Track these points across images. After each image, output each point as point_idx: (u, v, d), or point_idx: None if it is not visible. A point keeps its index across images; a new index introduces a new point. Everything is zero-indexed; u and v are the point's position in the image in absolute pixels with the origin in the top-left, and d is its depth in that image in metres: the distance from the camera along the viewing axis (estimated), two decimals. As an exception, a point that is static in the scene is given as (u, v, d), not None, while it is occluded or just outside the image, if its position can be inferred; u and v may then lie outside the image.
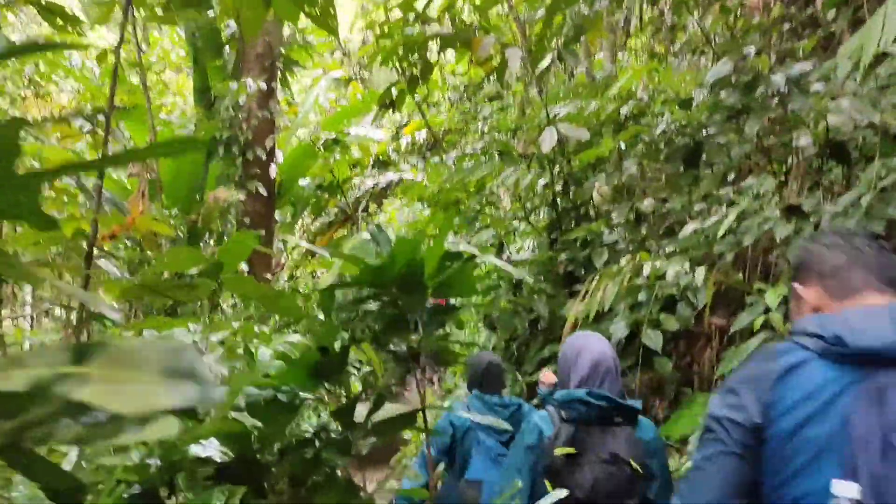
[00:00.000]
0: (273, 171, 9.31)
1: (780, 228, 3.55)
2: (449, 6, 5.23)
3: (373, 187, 10.07)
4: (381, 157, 10.77)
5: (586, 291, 3.93)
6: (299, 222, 11.34)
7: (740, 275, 4.01)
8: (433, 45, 5.45)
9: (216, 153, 9.13)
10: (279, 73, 9.67)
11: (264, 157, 9.21)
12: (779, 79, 3.91)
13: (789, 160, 4.31)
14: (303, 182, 10.57)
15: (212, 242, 9.18)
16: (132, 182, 8.42)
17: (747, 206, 3.81)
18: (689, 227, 3.99)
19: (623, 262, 3.78)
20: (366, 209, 10.75)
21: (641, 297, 4.04)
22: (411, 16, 5.25)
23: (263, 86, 8.50)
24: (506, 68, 4.94)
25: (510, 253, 5.59)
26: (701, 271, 3.46)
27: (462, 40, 5.27)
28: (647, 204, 4.59)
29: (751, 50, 4.11)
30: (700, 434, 1.43)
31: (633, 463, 2.20)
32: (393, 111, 5.63)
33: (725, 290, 3.95)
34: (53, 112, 10.73)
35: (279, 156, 9.49)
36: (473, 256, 1.61)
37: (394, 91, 5.60)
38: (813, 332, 1.35)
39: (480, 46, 4.88)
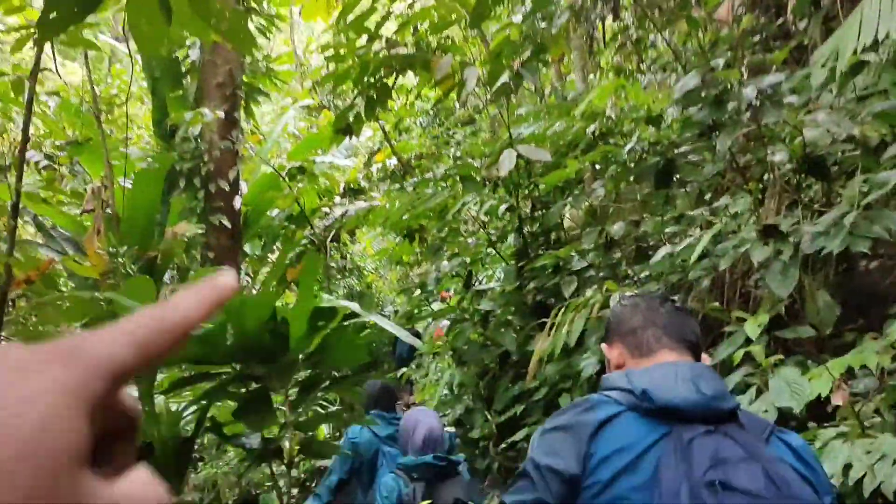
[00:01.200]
0: (237, 202, 8.99)
1: (756, 251, 3.28)
2: (404, 26, 4.97)
3: (342, 216, 9.75)
4: (351, 186, 10.47)
5: (552, 325, 3.63)
6: (269, 255, 11.01)
7: (717, 302, 3.73)
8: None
9: (177, 186, 8.80)
10: (242, 102, 9.40)
11: (228, 189, 8.89)
12: (750, 92, 3.67)
13: (765, 177, 4.06)
14: (271, 213, 10.25)
15: (171, 280, 8.81)
16: (88, 218, 8.08)
17: (723, 228, 3.54)
18: (662, 252, 3.72)
19: (590, 292, 3.49)
20: (336, 239, 10.42)
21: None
22: (364, 37, 4.99)
23: (221, 114, 8.20)
24: (463, 88, 4.68)
25: (478, 282, 5.29)
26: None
27: (420, 61, 5.01)
28: (617, 227, 4.31)
29: (719, 62, 3.86)
30: (515, 477, 1.44)
31: (469, 503, 3.01)
32: (350, 137, 5.34)
33: (702, 318, 3.67)
34: (10, 149, 10.38)
35: (244, 187, 9.18)
36: (354, 314, 1.31)
37: (352, 115, 5.32)
38: (623, 386, 1.40)
39: (438, 66, 4.63)
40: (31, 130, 10.00)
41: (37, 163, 9.47)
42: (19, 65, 9.36)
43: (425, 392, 5.67)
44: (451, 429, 5.05)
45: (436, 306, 5.85)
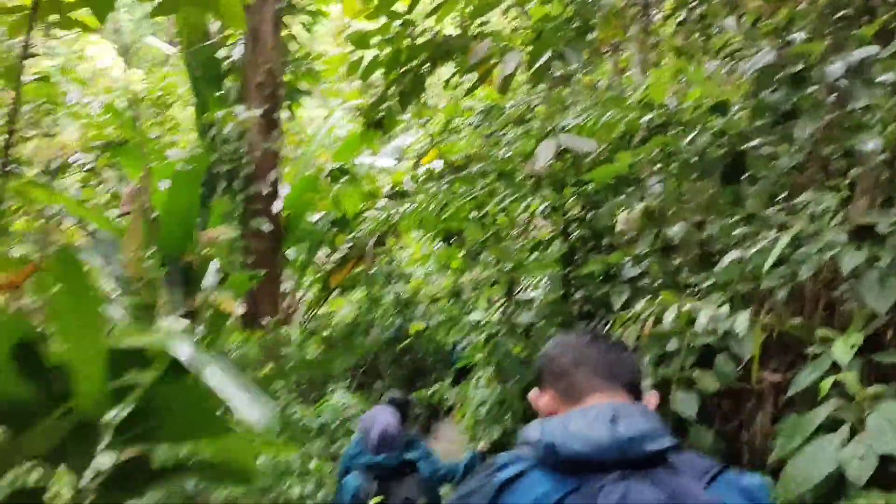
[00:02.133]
0: (278, 206, 8.70)
1: (847, 256, 2.73)
2: (442, 7, 4.53)
3: (385, 220, 9.38)
4: (396, 188, 10.08)
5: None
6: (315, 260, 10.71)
7: (798, 318, 3.16)
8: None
9: (217, 189, 8.56)
10: (283, 102, 9.12)
11: (268, 192, 8.61)
12: (836, 68, 3.10)
13: (853, 170, 3.47)
14: (315, 217, 9.95)
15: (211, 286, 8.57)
16: (126, 221, 7.90)
17: (803, 229, 2.98)
18: (730, 257, 3.17)
19: (640, 304, 2.98)
20: (381, 243, 10.05)
21: (671, 346, 3.21)
22: (397, 23, 4.57)
23: (257, 112, 7.91)
24: (510, 79, 4.21)
25: (521, 291, 4.81)
26: (744, 315, 2.64)
27: (458, 47, 4.57)
28: (677, 229, 3.77)
29: (798, 35, 3.31)
30: None
31: (420, 501, 3.14)
32: (383, 132, 4.94)
33: (779, 335, 3.11)
34: (60, 151, 10.37)
35: (284, 190, 8.89)
36: (176, 364, 0.85)
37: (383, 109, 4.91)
38: (532, 439, 1.32)
39: (475, 50, 4.18)
40: (76, 133, 9.96)
41: (81, 165, 9.39)
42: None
43: (462, 411, 5.20)
44: (483, 446, 4.55)
45: (477, 315, 5.38)
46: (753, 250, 2.99)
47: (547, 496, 1.24)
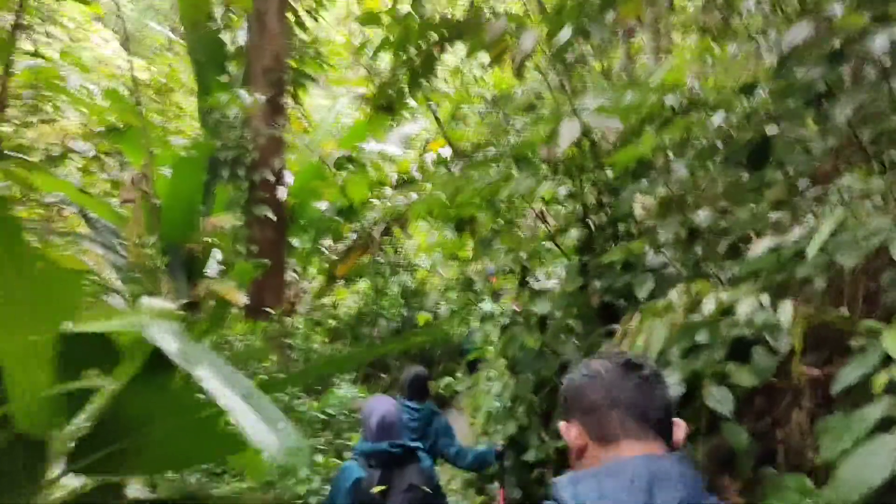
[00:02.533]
0: (282, 193, 8.52)
1: (896, 243, 2.53)
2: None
3: (394, 208, 9.19)
4: (403, 177, 9.90)
5: (624, 333, 2.94)
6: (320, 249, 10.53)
7: (842, 309, 2.96)
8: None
9: (220, 176, 8.38)
10: (289, 87, 8.92)
11: (272, 179, 8.43)
12: (881, 42, 2.90)
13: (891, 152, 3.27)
14: (320, 205, 9.77)
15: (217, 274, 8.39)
16: (128, 209, 7.73)
17: (847, 214, 2.78)
18: (763, 245, 2.98)
19: (674, 293, 2.79)
20: (387, 232, 9.87)
21: (700, 339, 3.02)
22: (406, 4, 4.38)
23: (260, 98, 7.72)
24: (526, 58, 4.02)
25: (536, 281, 4.62)
26: (788, 305, 2.44)
27: (471, 27, 4.37)
28: (702, 216, 3.58)
29: (836, 8, 3.10)
30: None
31: (423, 488, 3.09)
32: (392, 115, 4.75)
33: (815, 328, 2.92)
34: (62, 138, 10.19)
35: (289, 178, 8.70)
36: (158, 358, 0.65)
37: (393, 91, 4.71)
38: (561, 499, 1.27)
39: (490, 29, 3.98)
40: (78, 120, 9.78)
41: (82, 152, 9.21)
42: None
43: (475, 402, 5.02)
44: (500, 443, 4.41)
45: (487, 306, 5.20)
46: (792, 236, 2.79)
47: None
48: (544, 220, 4.49)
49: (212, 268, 8.56)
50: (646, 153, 3.72)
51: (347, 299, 10.73)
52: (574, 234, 4.47)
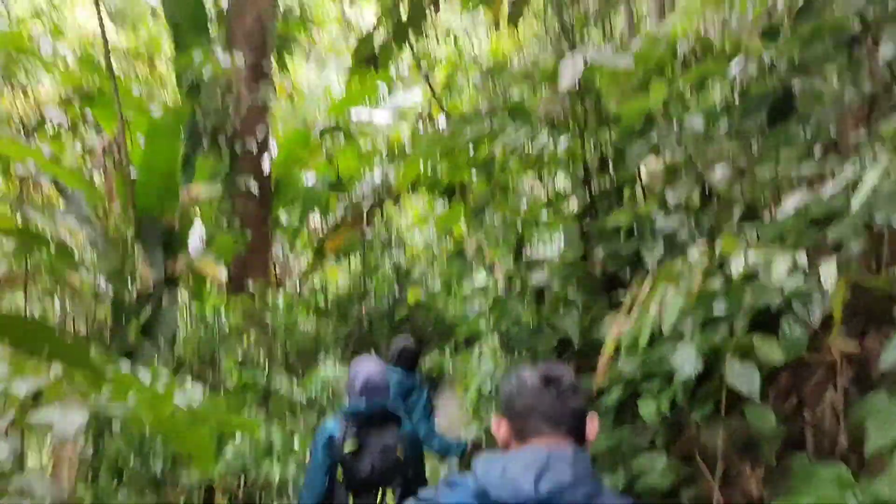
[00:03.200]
0: (266, 164, 8.10)
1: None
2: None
3: (383, 182, 8.78)
4: (395, 149, 9.46)
5: (633, 302, 2.57)
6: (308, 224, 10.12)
7: (869, 272, 2.60)
8: None
9: (200, 146, 7.95)
10: (273, 52, 8.48)
11: (256, 150, 8.01)
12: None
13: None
14: (308, 178, 9.36)
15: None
16: (100, 179, 7.31)
17: (889, 165, 2.40)
18: (794, 201, 2.61)
19: (694, 252, 2.41)
20: (378, 207, 9.46)
21: (718, 309, 2.64)
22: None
23: (239, 58, 7.28)
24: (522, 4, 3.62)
25: (530, 251, 4.24)
26: (831, 266, 2.07)
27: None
28: (719, 175, 3.20)
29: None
30: None
31: (398, 452, 3.09)
32: (375, 69, 4.35)
33: (853, 293, 2.56)
34: (37, 108, 9.74)
35: (274, 148, 8.28)
36: None
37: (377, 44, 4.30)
38: (476, 475, 1.54)
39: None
40: (53, 86, 9.30)
41: (56, 121, 8.76)
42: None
43: (464, 384, 4.65)
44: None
45: (481, 278, 4.82)
46: (830, 189, 2.42)
47: None
48: (541, 183, 4.10)
49: (194, 242, 8.17)
50: (656, 105, 3.33)
51: (338, 278, 10.36)
52: (574, 198, 4.08)
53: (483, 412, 4.26)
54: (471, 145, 3.79)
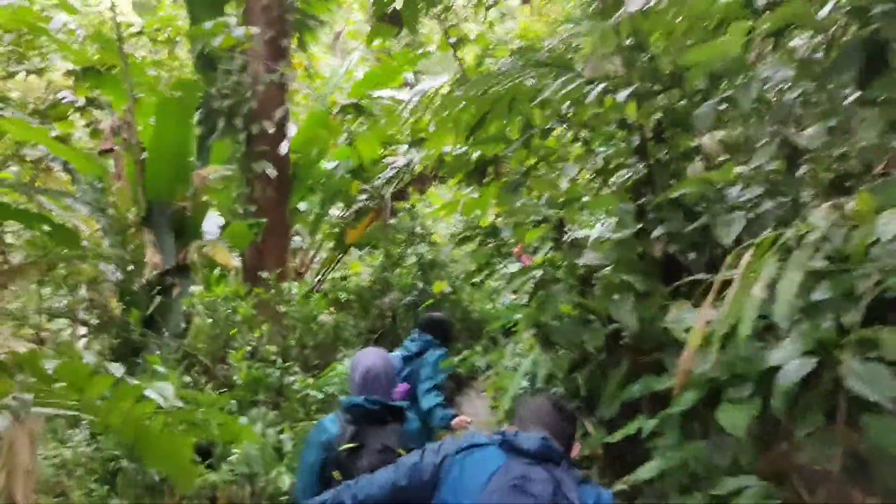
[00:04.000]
0: (284, 148, 7.64)
1: None
2: None
3: (406, 167, 8.28)
4: (419, 134, 8.94)
5: (722, 285, 2.03)
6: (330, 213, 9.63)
7: None
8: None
9: (216, 128, 7.51)
10: (292, 31, 8.01)
11: (274, 132, 7.56)
12: None
13: None
14: (329, 165, 8.89)
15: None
16: (108, 159, 6.90)
17: None
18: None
19: (818, 215, 1.87)
20: (402, 197, 8.96)
21: (820, 293, 2.10)
22: None
23: (254, 30, 6.82)
24: None
25: (572, 233, 3.71)
26: None
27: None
28: (811, 134, 2.65)
29: None
30: None
31: (400, 451, 2.69)
32: (399, 28, 3.85)
33: None
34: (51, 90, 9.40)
35: (292, 130, 7.82)
36: None
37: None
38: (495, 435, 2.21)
39: None
40: (65, 66, 8.92)
41: (70, 102, 8.38)
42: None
43: (498, 384, 4.13)
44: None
45: (514, 267, 4.30)
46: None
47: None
48: (588, 150, 3.56)
49: (211, 229, 7.75)
50: (733, 49, 2.78)
51: (360, 270, 9.88)
52: (626, 174, 3.54)
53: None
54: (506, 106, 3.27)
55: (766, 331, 2.17)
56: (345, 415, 2.85)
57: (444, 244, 9.99)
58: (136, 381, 1.76)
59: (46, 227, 6.39)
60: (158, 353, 5.21)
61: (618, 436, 2.63)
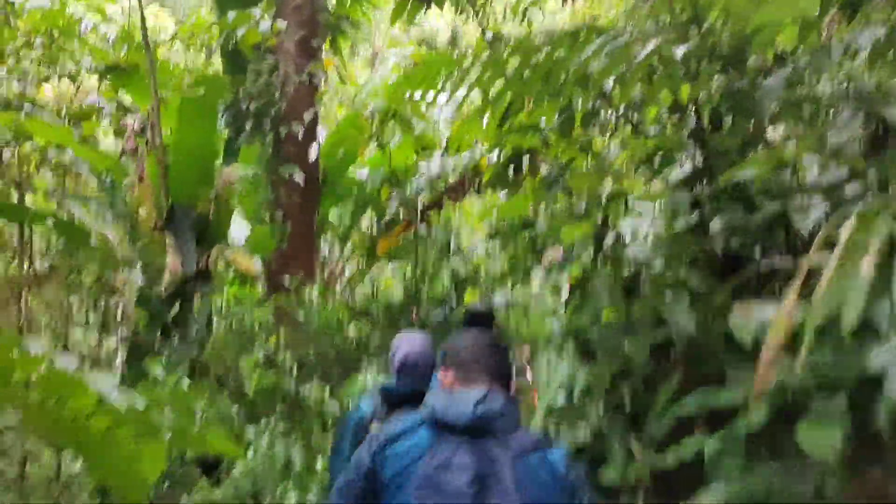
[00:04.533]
0: (314, 152, 7.36)
1: None
2: None
3: (439, 175, 7.92)
4: (456, 143, 8.60)
5: (808, 273, 1.63)
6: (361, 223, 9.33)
7: None
8: None
9: (243, 129, 7.28)
10: (325, 32, 7.78)
11: (302, 135, 7.29)
12: None
13: None
14: (362, 173, 8.61)
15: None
16: (131, 160, 6.70)
17: None
18: None
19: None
20: (436, 205, 8.61)
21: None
22: None
23: (287, 36, 6.56)
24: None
25: (618, 229, 3.30)
26: None
27: None
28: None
29: None
30: None
31: None
32: (427, 4, 3.53)
33: None
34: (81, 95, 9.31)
35: (322, 135, 7.55)
36: None
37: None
38: (425, 406, 1.99)
39: None
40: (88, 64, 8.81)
41: (98, 105, 8.25)
42: None
43: (526, 399, 3.72)
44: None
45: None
46: None
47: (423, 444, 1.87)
48: (635, 134, 3.16)
49: (239, 236, 7.51)
50: (811, 7, 2.38)
51: (392, 285, 9.54)
52: (679, 161, 3.14)
53: (553, 436, 3.32)
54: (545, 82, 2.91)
55: (864, 329, 1.75)
56: (379, 397, 2.93)
57: (480, 260, 9.59)
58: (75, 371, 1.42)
59: (77, 235, 6.20)
60: (168, 359, 4.91)
61: (671, 458, 2.21)
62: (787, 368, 1.95)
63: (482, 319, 4.64)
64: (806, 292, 1.73)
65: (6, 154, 7.91)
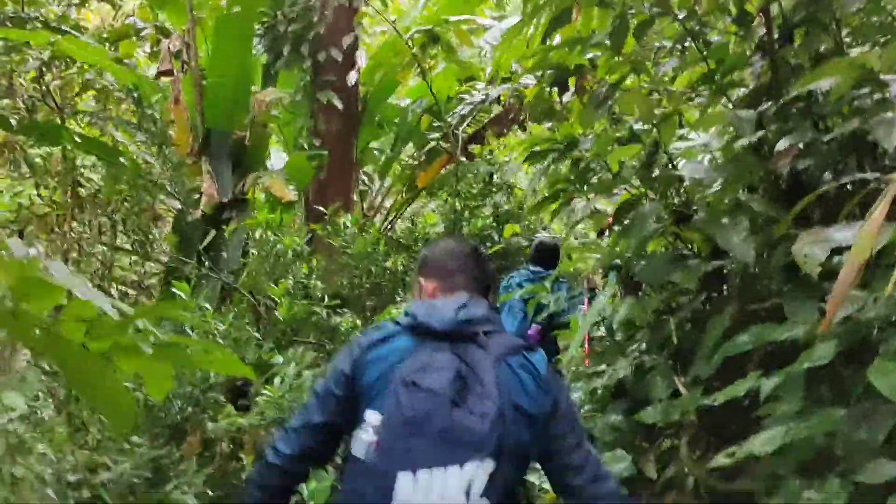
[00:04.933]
0: (353, 77, 7.12)
1: None
2: None
3: (482, 103, 7.60)
4: (500, 73, 8.23)
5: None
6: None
7: None
8: None
9: (281, 55, 7.06)
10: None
11: (341, 60, 7.05)
12: None
13: None
14: (403, 103, 8.35)
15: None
16: (165, 82, 6.56)
17: None
18: None
19: None
20: (478, 139, 8.33)
21: None
22: None
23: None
24: None
25: (672, 156, 3.04)
26: None
27: None
28: None
29: None
30: None
31: None
32: None
33: None
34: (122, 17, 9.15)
35: (362, 60, 7.28)
36: None
37: None
38: (406, 314, 1.94)
39: None
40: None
41: (139, 29, 8.08)
42: None
43: (566, 334, 3.52)
44: None
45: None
46: None
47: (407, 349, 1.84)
48: (694, 46, 2.85)
49: (278, 162, 7.37)
50: None
51: (433, 220, 9.35)
52: (748, 77, 2.85)
53: (590, 373, 3.14)
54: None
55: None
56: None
57: (520, 193, 9.29)
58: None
59: (114, 157, 6.14)
60: (198, 283, 4.84)
61: (721, 398, 2.00)
62: (859, 300, 1.72)
63: (550, 252, 4.70)
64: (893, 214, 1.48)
65: (48, 78, 7.85)
